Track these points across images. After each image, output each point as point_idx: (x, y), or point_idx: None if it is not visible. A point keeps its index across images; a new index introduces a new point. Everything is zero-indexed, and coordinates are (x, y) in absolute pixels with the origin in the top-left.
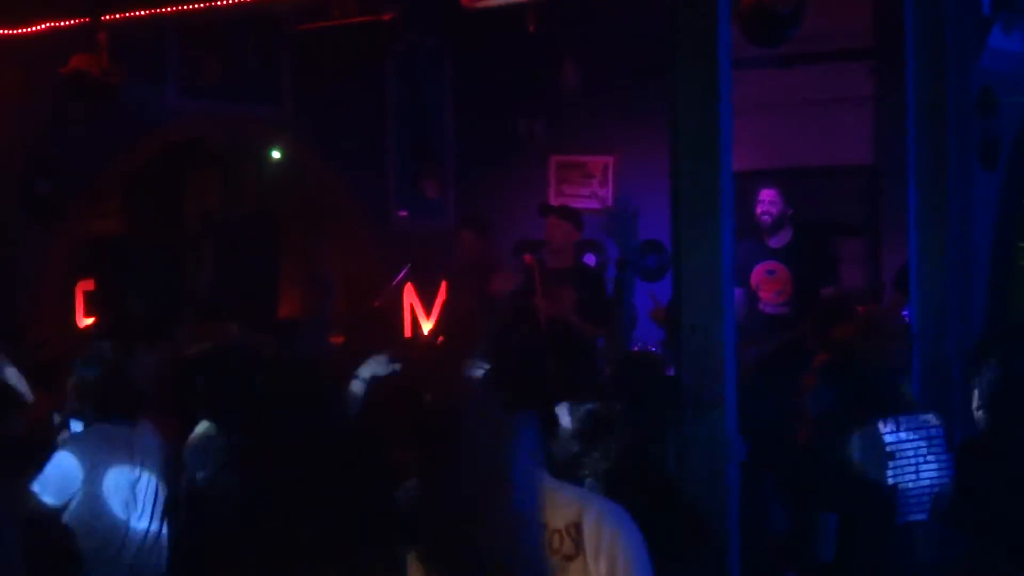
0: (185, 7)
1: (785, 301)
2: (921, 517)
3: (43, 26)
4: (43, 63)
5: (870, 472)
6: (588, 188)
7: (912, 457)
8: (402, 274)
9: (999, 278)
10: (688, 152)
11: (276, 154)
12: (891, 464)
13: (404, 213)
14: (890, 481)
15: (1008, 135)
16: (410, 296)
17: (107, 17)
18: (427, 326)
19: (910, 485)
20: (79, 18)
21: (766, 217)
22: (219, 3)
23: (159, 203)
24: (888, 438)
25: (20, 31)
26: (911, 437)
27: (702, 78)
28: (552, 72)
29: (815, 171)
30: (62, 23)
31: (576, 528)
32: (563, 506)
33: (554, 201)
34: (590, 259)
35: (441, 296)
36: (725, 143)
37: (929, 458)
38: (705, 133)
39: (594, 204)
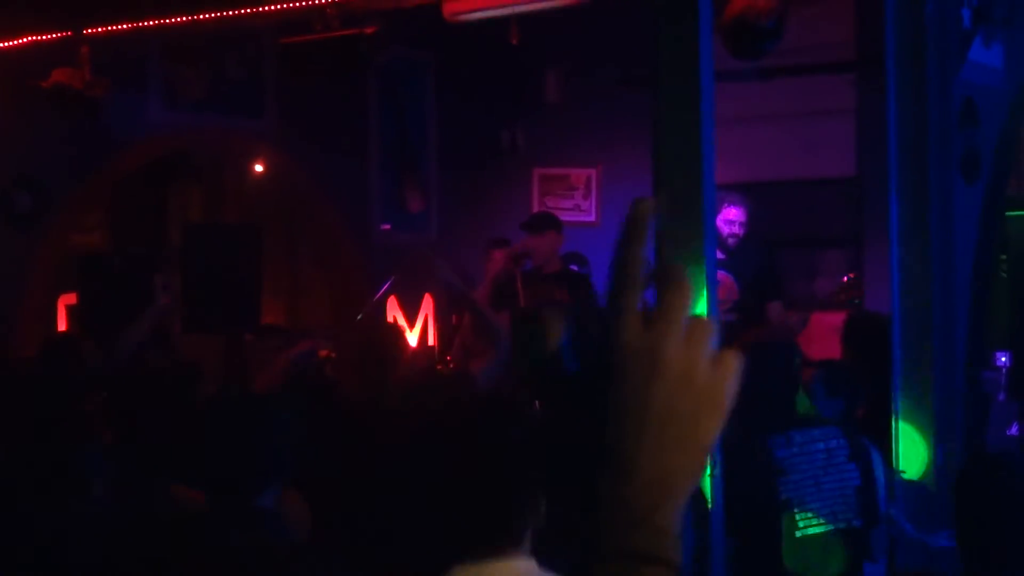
0: (167, 20)
1: (729, 309)
2: (823, 528)
3: (25, 40)
4: (25, 76)
5: (761, 489)
6: (571, 200)
7: (808, 470)
8: (385, 287)
9: (981, 290)
10: (671, 164)
11: (259, 167)
12: (781, 480)
13: (387, 226)
14: (784, 496)
15: (989, 148)
16: (393, 309)
17: (89, 31)
18: (412, 338)
19: (809, 498)
20: (61, 32)
21: (732, 240)
22: (201, 17)
23: (142, 217)
24: (779, 453)
25: (1, 45)
26: (806, 451)
27: (685, 91)
28: (534, 84)
29: (798, 183)
30: (44, 37)
31: None
32: None
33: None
34: (573, 269)
35: (425, 308)
36: (708, 155)
37: (829, 470)
38: (688, 145)
39: (577, 217)
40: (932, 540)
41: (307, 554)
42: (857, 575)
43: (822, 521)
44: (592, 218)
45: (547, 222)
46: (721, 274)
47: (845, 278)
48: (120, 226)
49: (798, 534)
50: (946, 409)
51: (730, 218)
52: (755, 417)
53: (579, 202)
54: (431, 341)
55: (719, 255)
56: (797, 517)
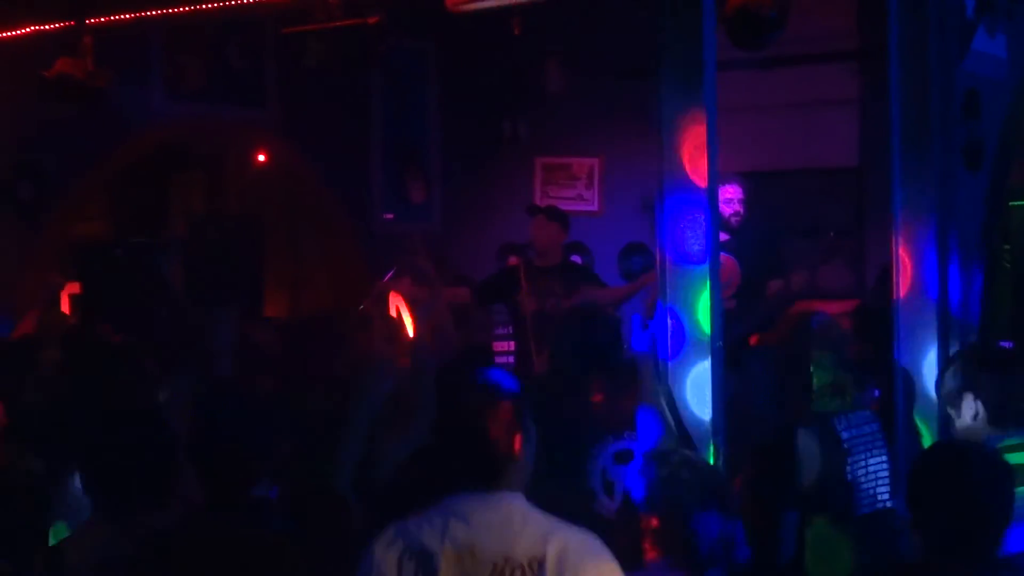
0: (170, 10)
1: (732, 295)
2: (868, 510)
3: (27, 29)
4: (27, 66)
5: (831, 468)
6: (574, 190)
7: (862, 452)
8: (387, 277)
9: (984, 280)
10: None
11: (261, 157)
12: (849, 459)
13: (389, 216)
14: (848, 477)
15: (992, 138)
16: (395, 299)
17: (92, 20)
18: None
19: (861, 479)
20: (64, 21)
21: (735, 219)
22: (204, 6)
23: (144, 206)
24: (843, 435)
25: (4, 34)
26: (859, 433)
27: (688, 80)
28: (537, 74)
29: (800, 173)
30: (46, 26)
31: (539, 564)
32: (529, 537)
33: (540, 203)
34: (576, 260)
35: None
36: (711, 145)
37: (874, 452)
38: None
39: (579, 206)
40: None
41: (303, 541)
42: (893, 554)
43: (869, 503)
44: (594, 208)
45: (555, 214)
46: (724, 256)
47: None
48: (122, 215)
49: (856, 514)
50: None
51: (728, 196)
52: (817, 398)
53: (581, 192)
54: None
55: (723, 237)
56: (855, 498)
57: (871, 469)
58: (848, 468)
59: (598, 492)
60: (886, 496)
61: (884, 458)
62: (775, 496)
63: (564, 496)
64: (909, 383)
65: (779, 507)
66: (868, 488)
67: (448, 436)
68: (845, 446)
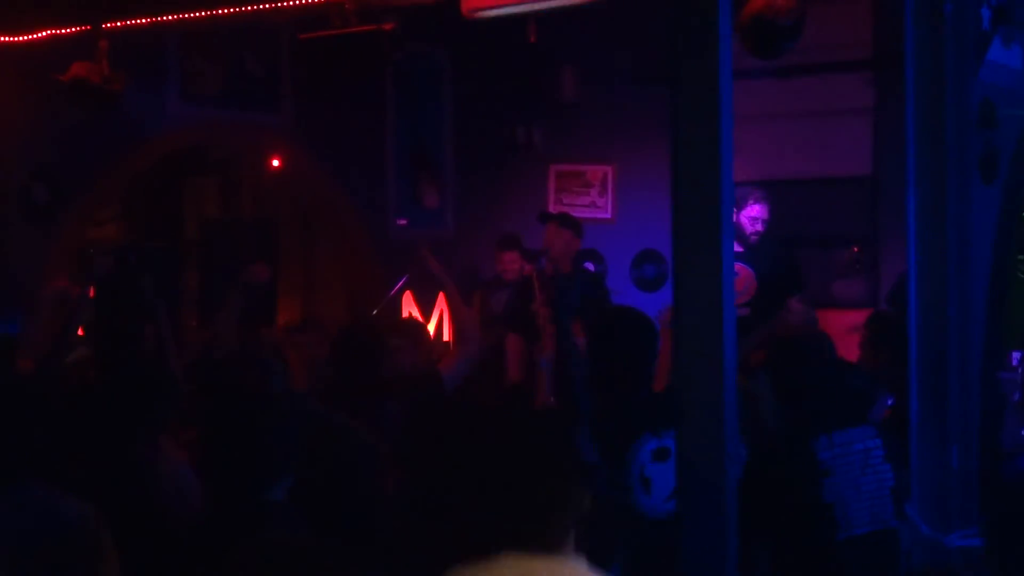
0: (186, 15)
1: (746, 302)
2: (864, 530)
3: (44, 33)
4: (43, 70)
5: (805, 492)
6: (587, 197)
7: (848, 471)
8: (401, 283)
9: (998, 290)
10: (689, 163)
11: (275, 162)
12: (826, 481)
13: (403, 221)
14: (827, 499)
15: (1007, 148)
16: (409, 305)
17: (108, 25)
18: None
19: (850, 500)
20: (80, 25)
21: (755, 237)
22: (220, 12)
23: (158, 210)
24: (822, 455)
25: (20, 38)
26: (845, 452)
27: (703, 89)
28: (551, 81)
29: (814, 182)
30: (63, 30)
31: None
32: None
33: (553, 210)
34: (589, 267)
35: (440, 304)
36: (726, 154)
37: (867, 470)
38: (706, 144)
39: (593, 214)
40: (947, 540)
41: (321, 546)
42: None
43: (863, 523)
44: (608, 215)
45: (567, 221)
46: (740, 266)
47: (855, 248)
48: (136, 220)
49: (841, 537)
50: (962, 409)
51: (754, 215)
52: (797, 418)
53: (595, 199)
54: (446, 336)
55: (738, 248)
56: (839, 520)
57: (863, 488)
58: (826, 490)
59: (635, 489)
60: (888, 515)
61: (886, 475)
62: (744, 526)
63: (601, 493)
64: (925, 394)
65: (750, 538)
66: (858, 508)
67: (500, 492)
68: (823, 467)
